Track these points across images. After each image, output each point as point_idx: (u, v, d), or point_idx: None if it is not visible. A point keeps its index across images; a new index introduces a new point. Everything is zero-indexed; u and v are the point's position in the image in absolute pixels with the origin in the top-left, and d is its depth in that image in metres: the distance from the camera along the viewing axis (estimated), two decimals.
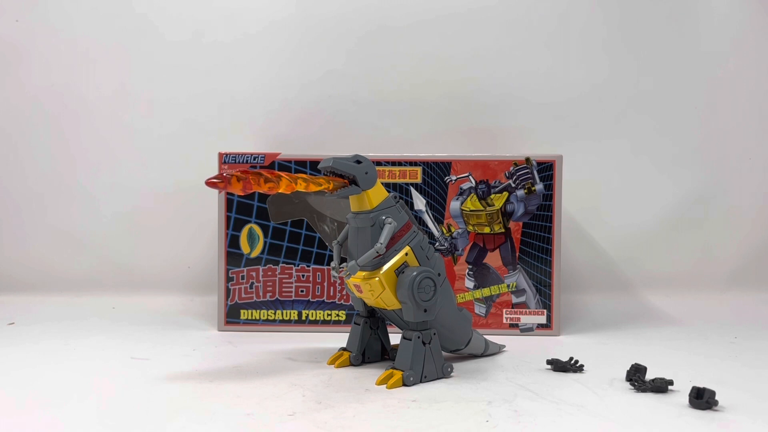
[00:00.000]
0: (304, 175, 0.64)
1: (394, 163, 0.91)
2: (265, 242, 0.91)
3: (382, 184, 0.68)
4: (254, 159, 0.91)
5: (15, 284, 1.11)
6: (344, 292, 0.91)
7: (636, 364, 0.66)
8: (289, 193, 0.63)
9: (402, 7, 1.10)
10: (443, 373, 0.67)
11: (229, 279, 0.91)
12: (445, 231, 0.91)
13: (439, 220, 0.91)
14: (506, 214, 0.90)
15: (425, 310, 0.66)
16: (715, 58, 1.12)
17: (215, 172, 0.91)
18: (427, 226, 0.91)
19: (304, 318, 0.91)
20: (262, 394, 0.61)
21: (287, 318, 0.91)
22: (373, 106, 1.10)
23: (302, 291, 0.92)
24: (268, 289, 0.92)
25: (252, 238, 0.91)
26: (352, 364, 0.72)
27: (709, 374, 0.69)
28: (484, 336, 0.78)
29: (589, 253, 1.12)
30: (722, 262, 1.13)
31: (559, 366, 0.70)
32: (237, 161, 0.91)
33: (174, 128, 1.11)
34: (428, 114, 1.10)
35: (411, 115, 1.10)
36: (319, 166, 0.68)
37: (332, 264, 0.72)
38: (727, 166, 1.13)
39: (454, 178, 0.90)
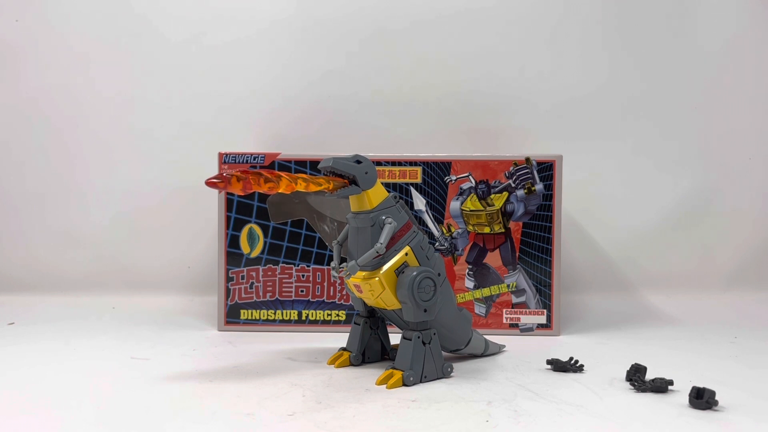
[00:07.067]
0: (304, 175, 0.64)
1: (394, 163, 0.91)
2: (265, 242, 0.91)
3: (382, 184, 0.68)
4: (254, 159, 0.91)
5: (15, 284, 1.11)
6: (344, 292, 0.91)
7: (636, 364, 0.66)
8: (289, 193, 0.63)
9: (402, 8, 1.10)
10: (443, 373, 0.67)
11: (229, 279, 0.91)
12: (445, 231, 0.91)
13: (439, 220, 0.91)
14: (506, 214, 0.90)
15: (425, 310, 0.66)
16: (714, 58, 1.12)
17: (215, 172, 0.91)
18: (427, 226, 0.91)
19: (304, 318, 0.91)
20: (262, 394, 0.61)
21: (287, 318, 0.91)
22: (373, 106, 1.10)
23: (302, 291, 0.92)
24: (268, 289, 0.92)
25: (252, 238, 0.91)
26: (352, 364, 0.72)
27: (709, 374, 0.69)
28: (484, 336, 0.78)
29: (589, 253, 1.12)
30: (722, 262, 1.13)
31: (559, 366, 0.70)
32: (237, 161, 0.91)
33: (174, 128, 1.11)
34: (428, 114, 1.10)
35: (411, 115, 1.10)
36: (319, 166, 0.68)
37: (332, 264, 0.72)
38: (727, 166, 1.13)
39: (454, 178, 0.90)
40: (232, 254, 0.91)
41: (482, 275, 0.91)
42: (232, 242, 0.91)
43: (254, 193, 0.85)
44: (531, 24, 1.11)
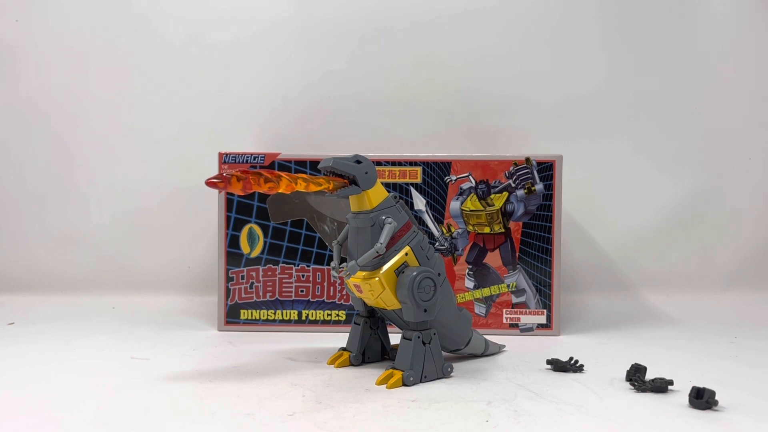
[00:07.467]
0: (304, 175, 0.64)
1: (394, 163, 0.91)
2: (265, 242, 0.91)
3: (382, 184, 0.68)
4: (254, 159, 0.91)
5: (15, 284, 1.11)
6: (344, 292, 0.91)
7: (636, 364, 0.66)
8: (289, 193, 0.63)
9: (402, 8, 1.10)
10: (443, 373, 0.67)
11: (229, 279, 0.91)
12: (445, 231, 0.91)
13: (439, 220, 0.91)
14: (506, 214, 0.90)
15: (425, 310, 0.66)
16: (714, 58, 1.12)
17: (215, 172, 0.91)
18: (427, 226, 0.91)
19: (304, 318, 0.91)
20: (262, 394, 0.61)
21: (287, 318, 0.91)
22: (373, 106, 1.10)
23: (302, 291, 0.92)
24: (268, 289, 0.92)
25: (252, 238, 0.91)
26: (352, 364, 0.72)
27: (709, 374, 0.69)
28: (484, 336, 0.78)
29: (589, 253, 1.12)
30: (722, 262, 1.13)
31: (559, 366, 0.70)
32: (237, 161, 0.91)
33: (174, 128, 1.11)
34: (428, 114, 1.10)
35: (411, 115, 1.10)
36: (319, 166, 0.68)
37: (332, 264, 0.72)
38: (727, 166, 1.13)
39: (454, 178, 0.90)
40: (232, 254, 0.91)
41: (482, 275, 0.91)
42: (232, 242, 0.91)
43: (254, 193, 0.85)
44: (531, 24, 1.11)
